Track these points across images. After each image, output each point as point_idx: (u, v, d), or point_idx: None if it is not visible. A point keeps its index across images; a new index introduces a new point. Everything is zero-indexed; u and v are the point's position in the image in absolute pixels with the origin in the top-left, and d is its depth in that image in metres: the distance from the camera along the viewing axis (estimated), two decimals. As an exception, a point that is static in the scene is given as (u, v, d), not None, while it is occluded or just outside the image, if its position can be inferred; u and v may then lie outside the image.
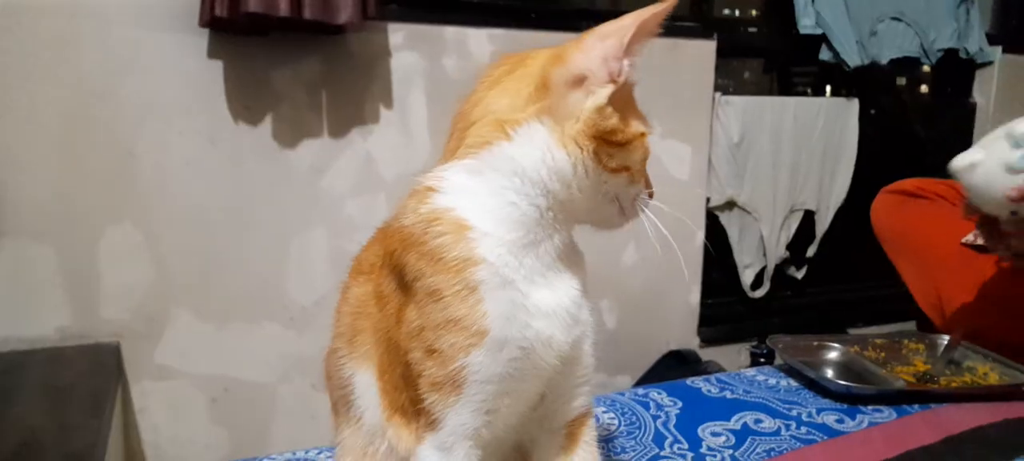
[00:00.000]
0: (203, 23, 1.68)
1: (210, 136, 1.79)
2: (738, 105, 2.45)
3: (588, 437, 0.67)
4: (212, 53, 1.77)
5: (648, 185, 0.65)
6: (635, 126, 0.61)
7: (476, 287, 0.57)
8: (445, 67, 2.00)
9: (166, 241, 1.78)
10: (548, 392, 0.64)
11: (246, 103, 1.81)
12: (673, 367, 2.37)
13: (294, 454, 0.97)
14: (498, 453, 0.66)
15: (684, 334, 2.52)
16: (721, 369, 2.26)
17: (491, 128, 0.60)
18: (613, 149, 0.59)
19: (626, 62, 0.58)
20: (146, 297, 1.78)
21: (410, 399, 0.60)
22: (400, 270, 0.60)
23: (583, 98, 0.58)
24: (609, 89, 0.58)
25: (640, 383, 2.30)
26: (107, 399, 1.51)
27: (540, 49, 0.62)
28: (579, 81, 0.58)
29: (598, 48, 0.58)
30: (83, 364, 1.65)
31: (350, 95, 1.92)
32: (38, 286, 1.68)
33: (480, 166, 0.60)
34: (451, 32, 2.00)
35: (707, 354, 2.52)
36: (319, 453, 0.97)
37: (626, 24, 0.57)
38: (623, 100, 0.60)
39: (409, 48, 1.96)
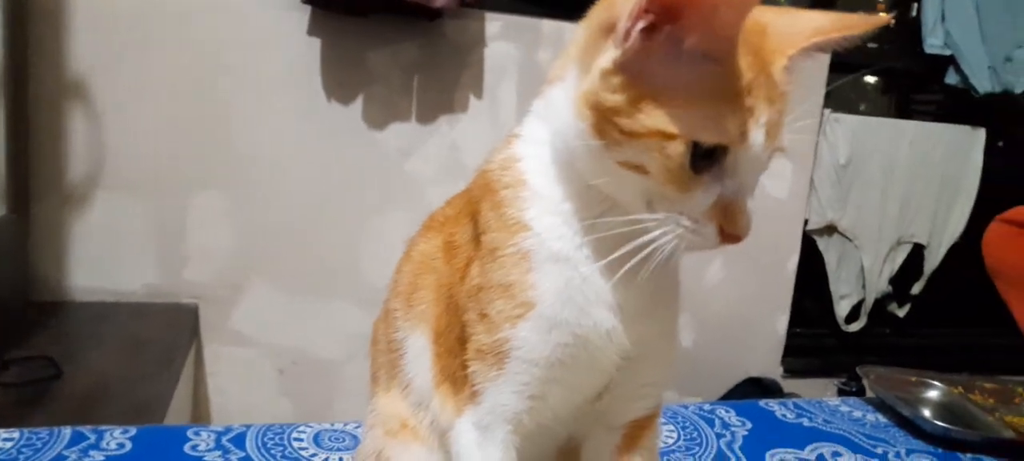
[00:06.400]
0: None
1: (303, 111, 1.81)
2: (849, 124, 2.29)
3: (649, 443, 0.59)
4: (312, 30, 1.79)
5: (722, 217, 0.46)
6: (655, 120, 0.44)
7: (527, 254, 0.51)
8: (539, 60, 1.95)
9: (250, 210, 1.81)
10: (609, 389, 0.55)
11: (340, 81, 1.83)
12: (751, 395, 2.24)
13: (345, 425, 0.95)
14: (548, 444, 0.60)
15: (767, 362, 2.38)
16: (806, 403, 2.11)
17: (559, 63, 0.53)
18: (620, 137, 0.45)
19: (640, 25, 0.43)
20: (227, 263, 1.82)
21: (462, 365, 0.55)
22: (475, 218, 0.55)
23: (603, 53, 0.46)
24: (612, 54, 0.45)
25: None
26: (179, 356, 1.55)
27: None
28: (608, 30, 0.46)
29: None
30: (163, 321, 1.70)
31: (442, 81, 1.91)
32: (129, 241, 1.74)
33: (541, 111, 0.54)
34: (548, 25, 1.96)
35: (790, 386, 2.36)
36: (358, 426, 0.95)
37: None
38: (678, 84, 0.44)
39: (505, 38, 1.93)
